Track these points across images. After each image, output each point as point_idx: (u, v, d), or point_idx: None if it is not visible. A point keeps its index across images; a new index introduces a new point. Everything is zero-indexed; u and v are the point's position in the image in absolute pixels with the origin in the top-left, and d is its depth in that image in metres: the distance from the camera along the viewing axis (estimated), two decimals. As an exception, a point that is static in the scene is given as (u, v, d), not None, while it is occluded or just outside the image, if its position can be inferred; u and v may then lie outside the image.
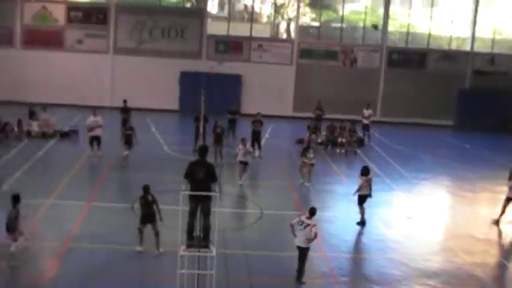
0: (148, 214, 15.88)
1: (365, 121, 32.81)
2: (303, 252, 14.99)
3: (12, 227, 14.79)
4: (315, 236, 14.84)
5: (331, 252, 16.93)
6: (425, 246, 18.16)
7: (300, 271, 15.02)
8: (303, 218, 15.11)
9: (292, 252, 15.74)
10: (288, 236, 16.37)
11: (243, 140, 23.56)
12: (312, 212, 15.14)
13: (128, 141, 24.42)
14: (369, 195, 19.29)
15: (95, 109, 26.68)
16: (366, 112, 32.95)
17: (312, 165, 23.38)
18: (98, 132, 25.72)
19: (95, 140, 25.66)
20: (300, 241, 15.00)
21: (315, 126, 30.97)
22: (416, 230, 19.54)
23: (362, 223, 19.25)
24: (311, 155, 23.25)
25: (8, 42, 38.62)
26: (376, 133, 35.32)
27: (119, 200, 19.98)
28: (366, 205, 19.36)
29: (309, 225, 14.85)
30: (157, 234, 15.94)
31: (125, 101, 28.94)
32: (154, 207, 15.93)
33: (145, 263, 15.86)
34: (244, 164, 22.95)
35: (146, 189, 16.00)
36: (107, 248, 16.17)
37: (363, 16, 41.44)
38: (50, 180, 21.67)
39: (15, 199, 14.96)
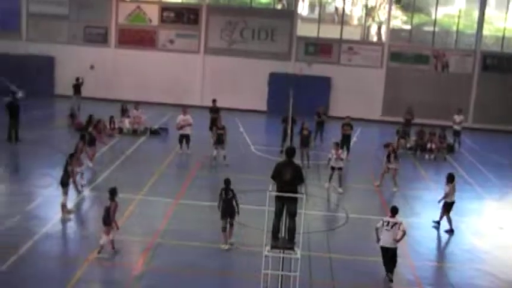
0: (228, 208, 16.24)
1: (456, 127, 31.91)
2: (392, 253, 14.98)
3: (108, 220, 15.31)
4: (404, 233, 14.91)
5: (418, 260, 16.56)
6: (518, 258, 17.50)
7: (392, 271, 15.00)
8: (387, 218, 15.14)
9: (377, 257, 15.54)
10: (373, 241, 16.15)
11: (336, 145, 23.00)
12: (395, 210, 15.24)
13: (219, 140, 24.69)
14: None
15: (185, 108, 27.26)
16: (457, 118, 32.04)
17: (396, 170, 23.11)
18: (187, 130, 26.28)
19: (185, 138, 26.21)
20: (386, 242, 14.98)
21: (404, 131, 30.42)
22: (507, 240, 18.85)
23: (451, 231, 18.76)
24: (393, 160, 23.06)
25: (103, 41, 39.96)
26: (467, 140, 34.28)
27: (205, 199, 20.24)
28: (453, 213, 18.84)
29: (396, 223, 14.94)
30: (232, 225, 16.37)
31: (214, 101, 29.30)
32: (234, 201, 16.29)
33: (230, 261, 16.04)
34: (338, 169, 22.38)
35: (227, 182, 16.31)
36: (193, 245, 16.45)
37: (456, 20, 40.35)
38: (139, 176, 22.24)
39: (113, 192, 15.50)
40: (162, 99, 38.18)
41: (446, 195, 18.85)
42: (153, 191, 20.82)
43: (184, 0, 40.51)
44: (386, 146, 28.54)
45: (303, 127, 25.46)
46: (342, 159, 22.53)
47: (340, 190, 22.18)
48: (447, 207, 18.89)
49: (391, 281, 14.96)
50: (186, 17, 39.82)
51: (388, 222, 14.99)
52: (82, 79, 34.71)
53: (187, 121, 26.39)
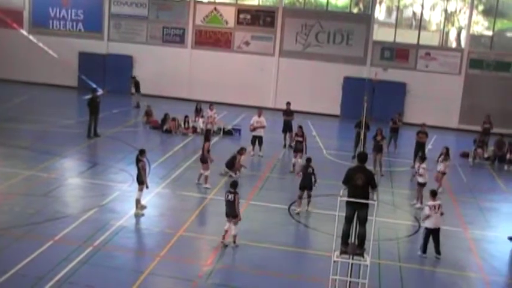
0: (307, 182, 19.11)
1: None
2: (439, 233, 16.67)
3: (234, 212, 16.40)
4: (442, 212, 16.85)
5: (492, 275, 16.03)
6: None
7: (438, 247, 16.60)
8: (431, 203, 16.71)
9: (448, 269, 15.23)
10: (445, 252, 15.79)
11: (423, 159, 21.69)
12: (433, 193, 17.00)
13: (296, 148, 24.47)
14: None
15: (260, 110, 27.36)
16: None
17: (444, 173, 22.79)
18: (261, 132, 26.43)
19: (257, 140, 26.34)
20: (435, 223, 16.63)
21: (482, 140, 29.55)
22: None
23: None
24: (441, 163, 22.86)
25: (180, 42, 40.63)
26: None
27: (276, 201, 20.27)
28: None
29: (440, 205, 16.74)
30: (310, 197, 19.31)
31: (288, 103, 29.22)
32: (313, 177, 19.30)
33: (298, 263, 16.04)
34: (421, 185, 21.34)
35: (309, 160, 19.80)
36: (262, 246, 16.50)
37: (541, 26, 39.00)
38: (211, 176, 22.41)
39: (235, 185, 16.65)
40: (236, 100, 38.50)
41: None
42: (224, 191, 20.93)
43: (260, 3, 40.69)
44: (464, 155, 28.01)
45: (377, 132, 25.07)
46: (420, 175, 21.28)
47: (417, 205, 21.17)
48: None
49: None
50: (261, 19, 39.99)
51: (435, 206, 16.58)
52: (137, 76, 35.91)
53: (261, 123, 26.55)
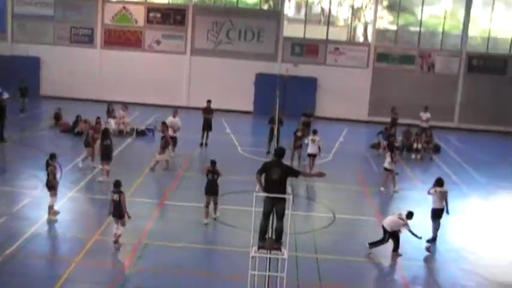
0: (212, 186, 17.89)
1: (423, 124, 31.88)
2: (390, 235, 16.69)
3: (120, 212, 15.86)
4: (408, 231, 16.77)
5: (404, 260, 16.60)
6: (502, 258, 17.59)
7: (395, 246, 16.77)
8: (402, 213, 16.92)
9: (364, 258, 15.68)
10: (360, 241, 16.21)
11: (391, 149, 23.52)
12: (410, 215, 16.88)
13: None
14: (446, 212, 18.16)
15: (175, 110, 26.98)
16: (424, 115, 32.01)
17: (386, 169, 23.20)
18: (175, 133, 26.09)
19: (172, 140, 26.04)
20: (388, 225, 16.65)
21: (390, 130, 30.43)
22: (492, 240, 18.96)
23: (433, 240, 18.04)
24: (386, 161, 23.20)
25: (89, 42, 39.82)
26: (453, 139, 34.51)
27: (191, 200, 20.18)
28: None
29: (406, 225, 16.66)
30: (216, 203, 18.12)
31: (208, 101, 28.79)
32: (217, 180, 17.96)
33: (216, 261, 16.08)
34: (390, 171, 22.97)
35: (213, 163, 17.99)
36: (179, 246, 16.42)
37: (442, 20, 40.54)
38: (125, 178, 21.99)
39: (118, 184, 16.04)
40: (148, 100, 38.10)
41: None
42: (139, 192, 20.73)
43: (170, 1, 40.41)
44: (373, 146, 28.93)
45: (298, 128, 25.60)
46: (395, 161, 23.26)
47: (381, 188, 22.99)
48: (432, 214, 18.28)
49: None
50: (172, 17, 39.77)
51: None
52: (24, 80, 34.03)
53: (176, 124, 26.22)
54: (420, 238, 16.89)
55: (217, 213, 18.35)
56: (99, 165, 22.20)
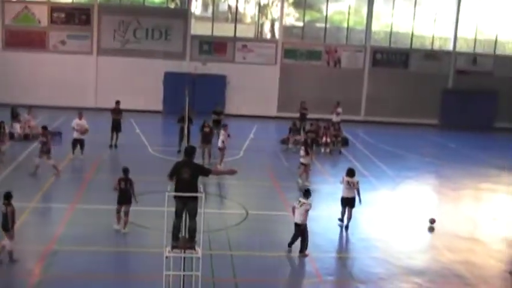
0: (125, 195, 17.09)
1: (335, 118, 32.80)
2: (301, 228, 16.43)
3: (7, 226, 14.89)
4: (305, 213, 16.44)
5: (317, 252, 16.91)
6: (410, 244, 18.26)
7: (302, 245, 16.48)
8: (300, 198, 16.76)
9: (278, 252, 15.88)
10: (273, 236, 16.41)
11: (306, 143, 24.25)
12: (306, 193, 16.85)
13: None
14: (359, 201, 18.81)
15: (81, 112, 26.39)
16: (336, 110, 33.03)
17: (302, 164, 23.73)
18: (81, 135, 25.50)
19: (78, 143, 25.48)
20: (297, 218, 16.48)
21: (299, 125, 30.96)
22: (400, 228, 19.64)
23: (345, 226, 18.93)
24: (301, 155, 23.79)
25: (-10, 44, 38.43)
26: (360, 132, 35.46)
27: (103, 202, 19.78)
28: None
29: (304, 203, 16.43)
30: (127, 214, 17.19)
31: (117, 102, 28.34)
32: (131, 191, 17.18)
33: (130, 263, 15.88)
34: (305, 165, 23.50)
35: (125, 171, 17.19)
36: (92, 250, 16.09)
37: (346, 16, 41.56)
38: (33, 183, 21.53)
39: (8, 196, 15.02)
40: (55, 102, 37.09)
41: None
42: (48, 197, 20.25)
43: (74, 0, 39.49)
44: (283, 142, 29.34)
45: (204, 124, 25.56)
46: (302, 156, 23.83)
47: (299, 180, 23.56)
48: (341, 202, 19.06)
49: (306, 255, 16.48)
50: (77, 17, 38.94)
51: (299, 201, 16.60)
52: None
53: (83, 126, 25.63)
54: None
55: (126, 229, 17.21)
56: None
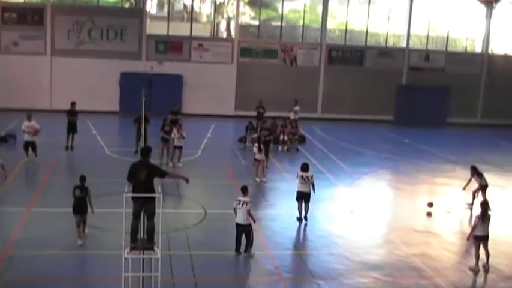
0: (81, 204, 16.51)
1: (293, 116, 33.10)
2: (246, 229, 16.26)
3: None
4: (248, 211, 16.22)
5: (276, 250, 17.06)
6: (367, 239, 18.51)
7: (247, 244, 16.35)
8: (240, 197, 16.54)
9: (233, 251, 15.95)
10: (232, 235, 16.46)
11: (259, 140, 24.46)
12: (244, 189, 16.72)
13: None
14: (313, 191, 19.24)
15: (29, 114, 25.87)
16: (294, 108, 33.40)
17: (256, 160, 23.94)
18: (32, 137, 25.04)
19: (30, 146, 25.01)
20: (240, 219, 16.27)
21: (256, 124, 31.08)
22: (358, 224, 19.91)
23: (299, 219, 19.32)
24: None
25: None
26: (317, 130, 35.75)
27: (59, 205, 19.51)
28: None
29: (245, 202, 16.26)
30: (84, 222, 16.73)
31: (73, 103, 27.96)
32: (87, 199, 16.60)
33: (88, 267, 15.73)
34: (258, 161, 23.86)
35: (82, 179, 16.67)
36: (49, 254, 15.90)
37: (302, 14, 41.85)
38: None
39: None
40: (8, 104, 36.28)
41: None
42: (2, 201, 19.89)
43: (27, 0, 38.85)
44: (241, 140, 29.44)
45: (165, 123, 25.55)
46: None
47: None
48: (296, 196, 19.46)
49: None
50: (29, 17, 38.28)
51: (240, 201, 16.36)
52: None
53: (33, 127, 25.13)
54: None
55: (80, 242, 16.51)
56: None
